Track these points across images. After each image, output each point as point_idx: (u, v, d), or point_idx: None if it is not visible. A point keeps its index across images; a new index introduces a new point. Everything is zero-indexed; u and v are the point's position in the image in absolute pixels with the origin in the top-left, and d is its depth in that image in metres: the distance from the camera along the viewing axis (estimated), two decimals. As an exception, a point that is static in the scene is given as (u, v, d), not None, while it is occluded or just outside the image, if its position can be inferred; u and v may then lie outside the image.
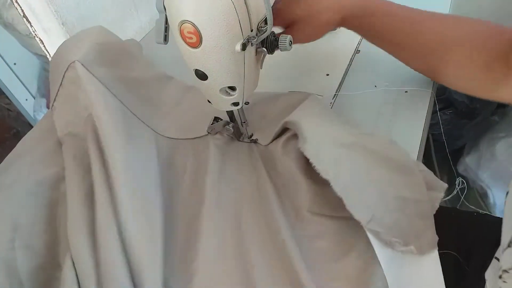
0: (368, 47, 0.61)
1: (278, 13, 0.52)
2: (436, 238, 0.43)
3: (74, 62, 0.56)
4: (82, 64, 0.55)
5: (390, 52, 0.58)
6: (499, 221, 0.39)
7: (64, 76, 0.56)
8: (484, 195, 1.12)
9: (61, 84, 0.57)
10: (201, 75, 0.45)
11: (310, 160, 0.45)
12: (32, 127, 1.33)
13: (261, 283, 0.44)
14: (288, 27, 0.55)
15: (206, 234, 0.48)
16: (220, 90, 0.47)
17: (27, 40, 1.10)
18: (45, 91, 1.28)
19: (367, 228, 0.42)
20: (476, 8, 1.21)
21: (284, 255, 0.44)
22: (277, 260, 0.45)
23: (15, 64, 1.18)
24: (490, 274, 0.41)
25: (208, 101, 0.51)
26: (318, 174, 0.45)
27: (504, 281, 0.36)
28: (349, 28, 0.57)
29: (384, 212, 0.43)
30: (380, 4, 0.54)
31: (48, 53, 0.75)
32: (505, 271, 0.36)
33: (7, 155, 0.58)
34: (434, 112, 0.63)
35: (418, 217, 0.44)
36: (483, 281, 0.42)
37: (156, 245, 0.45)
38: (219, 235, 0.48)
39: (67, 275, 0.42)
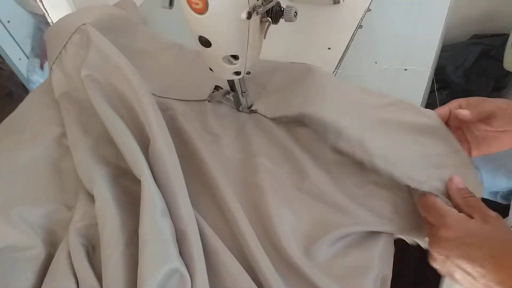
0: (370, 23, 0.61)
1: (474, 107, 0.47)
2: (480, 184, 0.45)
3: (85, 24, 0.57)
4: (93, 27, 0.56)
5: None
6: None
7: (70, 38, 0.57)
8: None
9: (64, 47, 0.57)
10: (205, 42, 0.45)
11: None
12: (25, 87, 1.32)
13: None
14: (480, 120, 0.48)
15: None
16: (223, 58, 0.47)
17: (22, -3, 1.07)
18: (39, 51, 1.26)
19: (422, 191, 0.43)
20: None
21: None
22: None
23: (8, 22, 1.15)
24: None
25: (210, 69, 0.51)
26: None
27: None
28: None
29: (430, 171, 0.45)
30: None
31: (47, 12, 0.74)
32: None
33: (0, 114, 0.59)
34: (431, 91, 0.64)
35: (462, 167, 0.46)
36: None
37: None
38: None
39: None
